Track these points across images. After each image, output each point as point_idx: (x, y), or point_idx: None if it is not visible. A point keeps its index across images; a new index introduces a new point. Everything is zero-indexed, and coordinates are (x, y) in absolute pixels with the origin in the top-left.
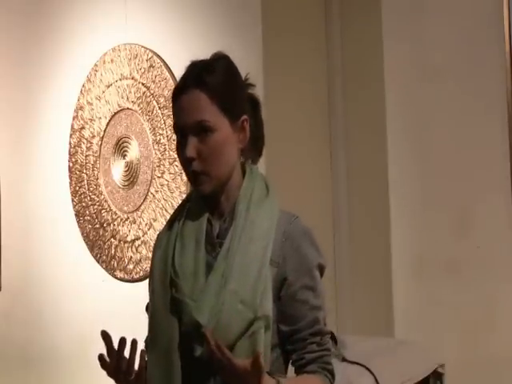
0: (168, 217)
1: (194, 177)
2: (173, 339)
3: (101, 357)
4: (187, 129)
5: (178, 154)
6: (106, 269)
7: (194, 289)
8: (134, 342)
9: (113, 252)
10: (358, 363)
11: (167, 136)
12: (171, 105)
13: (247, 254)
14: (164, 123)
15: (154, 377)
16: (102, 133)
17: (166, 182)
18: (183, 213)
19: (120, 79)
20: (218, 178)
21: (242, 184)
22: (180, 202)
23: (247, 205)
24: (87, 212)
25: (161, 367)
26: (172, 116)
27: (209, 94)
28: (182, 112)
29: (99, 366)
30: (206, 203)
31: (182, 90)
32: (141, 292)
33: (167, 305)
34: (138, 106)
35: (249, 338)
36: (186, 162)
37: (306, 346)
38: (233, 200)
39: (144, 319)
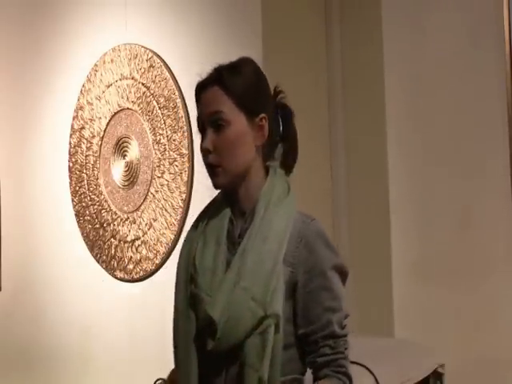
0: (168, 217)
1: (210, 169)
2: (189, 333)
3: None
4: (205, 122)
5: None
6: (106, 269)
7: (211, 285)
8: None
9: (113, 252)
10: (358, 363)
11: (167, 136)
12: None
13: (261, 252)
14: (164, 123)
15: (177, 370)
16: (102, 133)
17: (166, 182)
18: (208, 212)
19: (120, 79)
20: (232, 172)
21: (264, 185)
22: (180, 202)
23: (266, 204)
24: (87, 212)
25: (181, 360)
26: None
27: (224, 88)
28: (202, 106)
29: (98, 364)
30: (228, 202)
31: (201, 88)
32: (141, 292)
33: (186, 300)
34: (138, 106)
35: (259, 336)
36: (203, 154)
37: (318, 349)
38: (253, 200)
39: (144, 319)
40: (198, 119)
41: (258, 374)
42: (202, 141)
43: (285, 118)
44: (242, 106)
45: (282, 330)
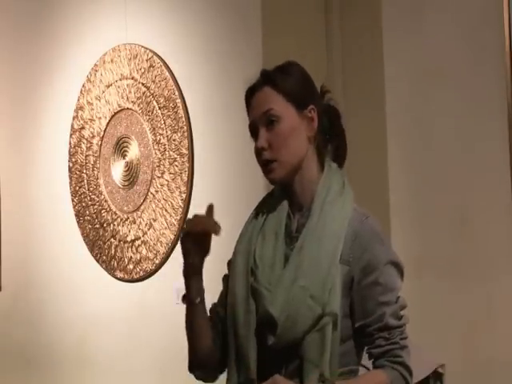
0: (168, 217)
1: (265, 166)
2: (250, 325)
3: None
4: (258, 122)
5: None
6: (106, 269)
7: (269, 279)
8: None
9: (113, 252)
10: None
11: (167, 136)
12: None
13: (319, 251)
14: (164, 123)
15: (232, 358)
16: (102, 133)
17: (166, 182)
18: (266, 205)
19: (120, 79)
20: (288, 164)
21: (320, 180)
22: (180, 201)
23: (322, 201)
24: (87, 212)
25: (239, 350)
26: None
27: (274, 86)
28: (253, 109)
29: (98, 364)
30: (286, 196)
31: (251, 93)
32: (141, 292)
33: (246, 292)
34: (138, 106)
35: (317, 333)
36: (257, 153)
37: (373, 341)
38: (310, 194)
39: (142, 320)
40: (251, 124)
41: (319, 369)
42: (256, 142)
43: (332, 118)
44: (291, 99)
45: (340, 324)
